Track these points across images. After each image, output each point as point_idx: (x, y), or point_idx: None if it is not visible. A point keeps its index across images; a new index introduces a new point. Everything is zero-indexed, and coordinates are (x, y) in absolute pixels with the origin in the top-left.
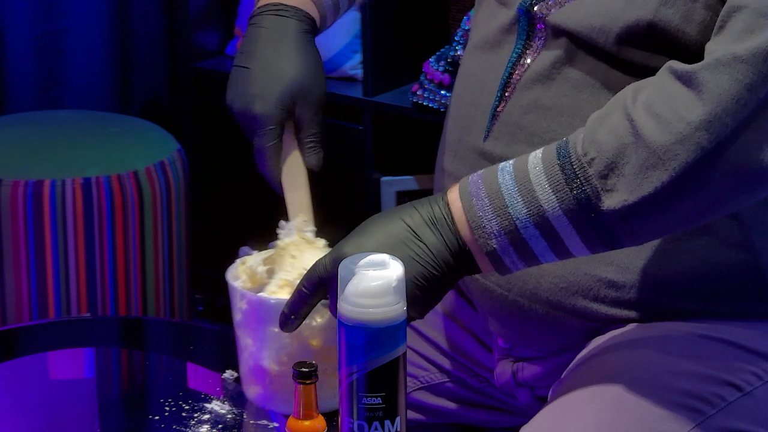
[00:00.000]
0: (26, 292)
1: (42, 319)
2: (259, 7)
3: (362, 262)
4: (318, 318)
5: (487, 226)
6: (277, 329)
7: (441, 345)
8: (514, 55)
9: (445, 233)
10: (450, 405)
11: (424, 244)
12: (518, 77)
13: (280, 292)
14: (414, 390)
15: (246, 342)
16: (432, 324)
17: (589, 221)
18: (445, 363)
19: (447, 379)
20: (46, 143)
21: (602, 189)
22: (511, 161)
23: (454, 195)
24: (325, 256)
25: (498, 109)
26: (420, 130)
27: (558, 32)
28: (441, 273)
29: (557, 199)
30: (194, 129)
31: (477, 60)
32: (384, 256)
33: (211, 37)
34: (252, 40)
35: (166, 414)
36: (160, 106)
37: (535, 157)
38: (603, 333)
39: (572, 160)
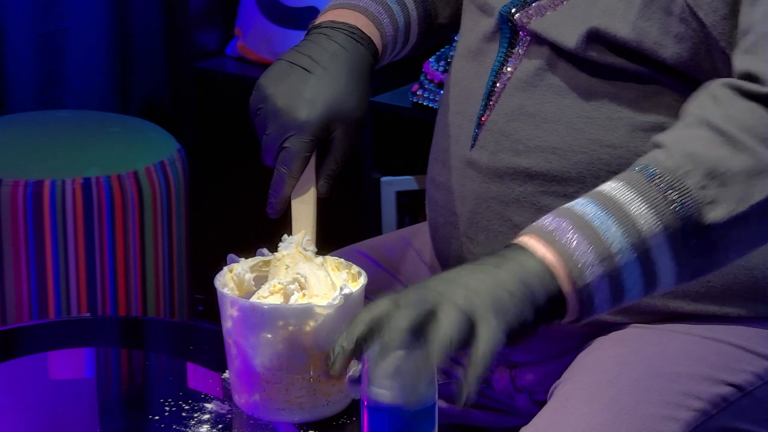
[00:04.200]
0: (26, 292)
1: (42, 319)
2: (329, 21)
3: None
4: (311, 322)
5: (580, 257)
6: (270, 335)
7: None
8: (497, 63)
9: (542, 289)
10: (449, 406)
11: (525, 292)
12: (502, 85)
13: (271, 297)
14: None
15: (237, 349)
16: None
17: (687, 241)
18: (444, 364)
19: (446, 380)
20: (46, 143)
21: (704, 201)
22: (588, 201)
23: (525, 239)
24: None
25: (483, 118)
26: (420, 130)
27: (540, 40)
28: (531, 318)
29: (656, 215)
30: (194, 129)
31: (462, 69)
32: None
33: (211, 37)
34: (320, 49)
35: (166, 414)
36: (160, 106)
37: (613, 184)
38: (602, 334)
39: (665, 175)
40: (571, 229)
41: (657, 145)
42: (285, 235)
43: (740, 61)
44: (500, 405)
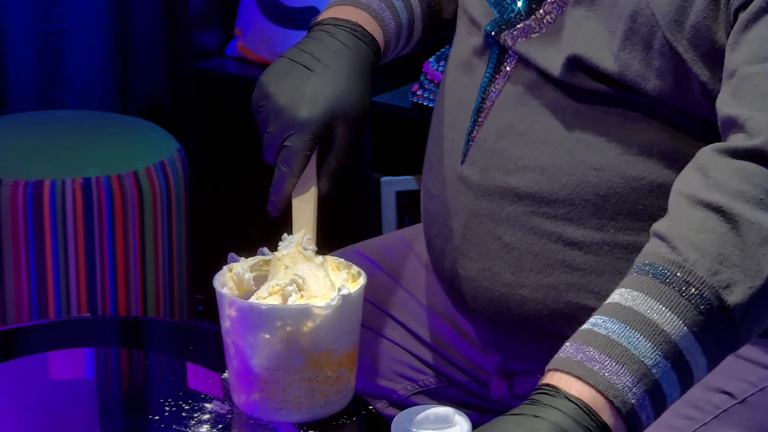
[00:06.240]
0: (26, 292)
1: (42, 319)
2: (332, 18)
3: (420, 417)
4: (309, 323)
5: (617, 382)
6: (267, 335)
7: (439, 349)
8: (485, 79)
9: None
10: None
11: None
12: (490, 102)
13: (269, 298)
14: (412, 394)
15: (235, 349)
16: (431, 328)
17: (713, 331)
18: (444, 367)
19: (445, 383)
20: (46, 143)
21: (720, 286)
22: (591, 319)
23: (556, 377)
24: None
25: (473, 134)
26: (420, 130)
27: (527, 62)
28: None
29: (679, 317)
30: (194, 129)
31: (453, 80)
32: (448, 410)
33: (211, 37)
34: (322, 47)
35: (166, 414)
36: (160, 106)
37: (623, 294)
38: None
39: (675, 272)
40: (600, 355)
41: (656, 236)
42: (285, 234)
43: (723, 105)
44: (499, 407)
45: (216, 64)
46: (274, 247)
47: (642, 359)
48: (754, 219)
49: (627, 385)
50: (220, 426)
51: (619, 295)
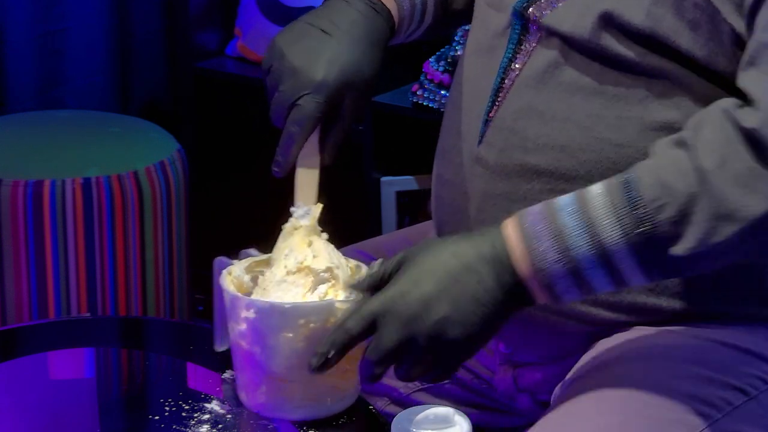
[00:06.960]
0: (26, 292)
1: (42, 319)
2: None
3: (420, 417)
4: (332, 319)
5: (549, 268)
6: (290, 334)
7: None
8: (505, 59)
9: (502, 272)
10: (451, 406)
11: (482, 281)
12: (510, 82)
13: (297, 274)
14: (414, 392)
15: (254, 351)
16: None
17: (655, 258)
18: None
19: (447, 381)
20: (46, 143)
21: (672, 235)
22: (570, 198)
23: (511, 231)
24: (375, 298)
25: (490, 115)
26: (420, 130)
27: (551, 34)
28: (495, 309)
29: (625, 241)
30: (194, 129)
31: (471, 66)
32: (448, 410)
33: (211, 37)
34: (340, 13)
35: (166, 414)
36: (160, 106)
37: (599, 195)
38: (608, 336)
39: (642, 203)
40: (547, 238)
41: (678, 145)
42: (299, 203)
43: (740, 76)
44: (501, 405)
45: (216, 64)
46: (266, 249)
47: (578, 259)
48: (728, 192)
49: (554, 272)
50: (220, 426)
51: (594, 190)
